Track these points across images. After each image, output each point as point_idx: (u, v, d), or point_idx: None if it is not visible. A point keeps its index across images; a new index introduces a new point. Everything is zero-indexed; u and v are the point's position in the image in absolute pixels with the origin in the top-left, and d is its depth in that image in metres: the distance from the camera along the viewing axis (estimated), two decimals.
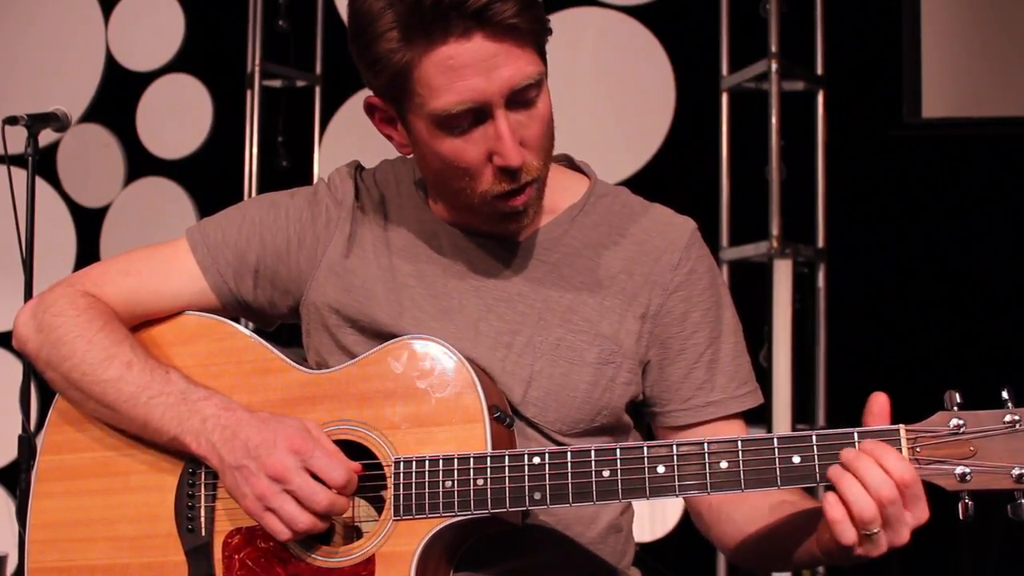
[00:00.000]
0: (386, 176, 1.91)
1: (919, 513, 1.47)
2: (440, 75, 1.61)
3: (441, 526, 1.63)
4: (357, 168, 1.93)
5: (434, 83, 1.62)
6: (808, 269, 4.08)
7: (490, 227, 1.78)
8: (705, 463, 1.56)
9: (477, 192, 1.71)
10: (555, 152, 1.91)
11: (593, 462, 1.59)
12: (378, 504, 1.71)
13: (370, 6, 1.62)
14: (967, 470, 1.46)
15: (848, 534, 1.46)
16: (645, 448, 1.58)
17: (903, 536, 1.46)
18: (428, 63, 1.61)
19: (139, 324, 1.87)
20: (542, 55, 1.68)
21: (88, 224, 4.97)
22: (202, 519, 1.73)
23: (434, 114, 1.65)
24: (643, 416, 1.88)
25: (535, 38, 1.65)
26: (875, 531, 1.46)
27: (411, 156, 1.82)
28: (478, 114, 1.64)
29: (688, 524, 1.87)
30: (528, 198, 1.72)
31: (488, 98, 1.62)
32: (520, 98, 1.65)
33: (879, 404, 1.53)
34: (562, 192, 1.87)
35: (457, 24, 1.58)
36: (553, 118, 1.73)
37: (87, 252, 4.91)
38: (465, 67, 1.60)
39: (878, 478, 1.45)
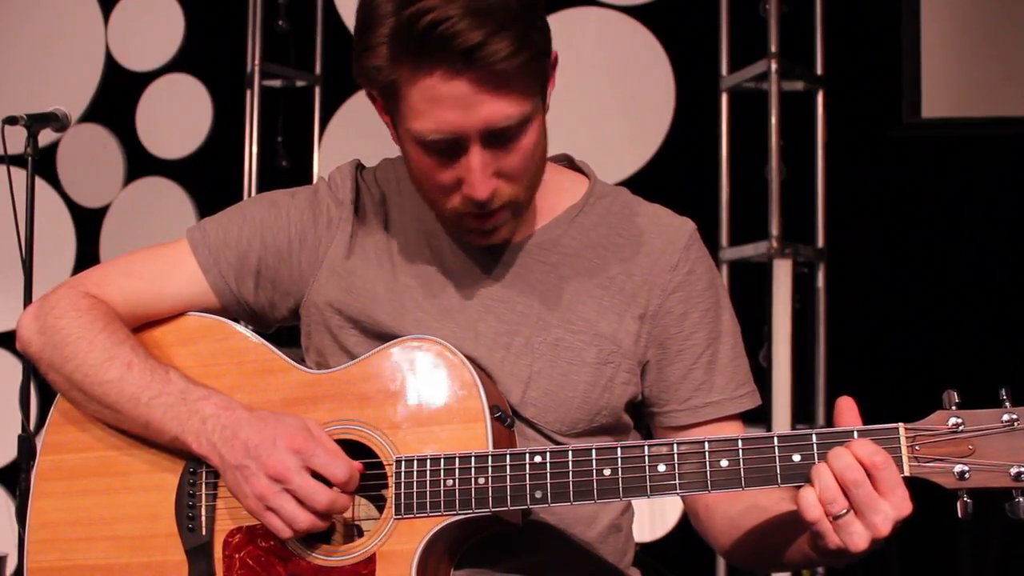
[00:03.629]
0: (387, 175, 1.91)
1: (898, 503, 1.45)
2: (421, 101, 1.61)
3: (442, 525, 1.64)
4: (358, 167, 1.93)
5: (416, 107, 1.63)
6: (808, 269, 4.08)
7: (465, 238, 1.79)
8: (705, 462, 1.56)
9: (447, 208, 1.72)
10: (555, 152, 1.92)
11: (594, 461, 1.59)
12: (379, 503, 1.72)
13: (374, 8, 1.61)
14: (966, 468, 1.47)
15: (812, 511, 1.47)
16: (646, 447, 1.59)
17: (881, 527, 1.45)
18: (412, 87, 1.61)
19: (141, 325, 1.87)
20: (537, 89, 1.66)
21: (88, 224, 4.97)
22: (203, 518, 1.74)
23: (411, 133, 1.65)
24: (643, 416, 1.89)
25: (527, 77, 1.62)
26: (843, 512, 1.46)
27: None
28: (453, 144, 1.64)
29: (688, 524, 1.88)
30: (498, 220, 1.73)
31: (464, 132, 1.62)
32: (499, 135, 1.64)
33: (847, 405, 1.54)
34: (562, 193, 1.87)
35: (442, 60, 1.57)
36: (542, 144, 1.72)
37: (87, 252, 4.92)
38: (445, 99, 1.59)
39: (845, 460, 1.47)
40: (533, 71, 1.62)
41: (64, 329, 1.81)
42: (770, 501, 1.69)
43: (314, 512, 1.62)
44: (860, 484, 1.45)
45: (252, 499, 1.65)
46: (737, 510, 1.74)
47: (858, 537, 1.46)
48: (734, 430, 1.82)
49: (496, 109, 1.60)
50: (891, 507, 1.45)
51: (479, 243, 1.78)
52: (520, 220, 1.77)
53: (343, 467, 1.64)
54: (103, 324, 1.80)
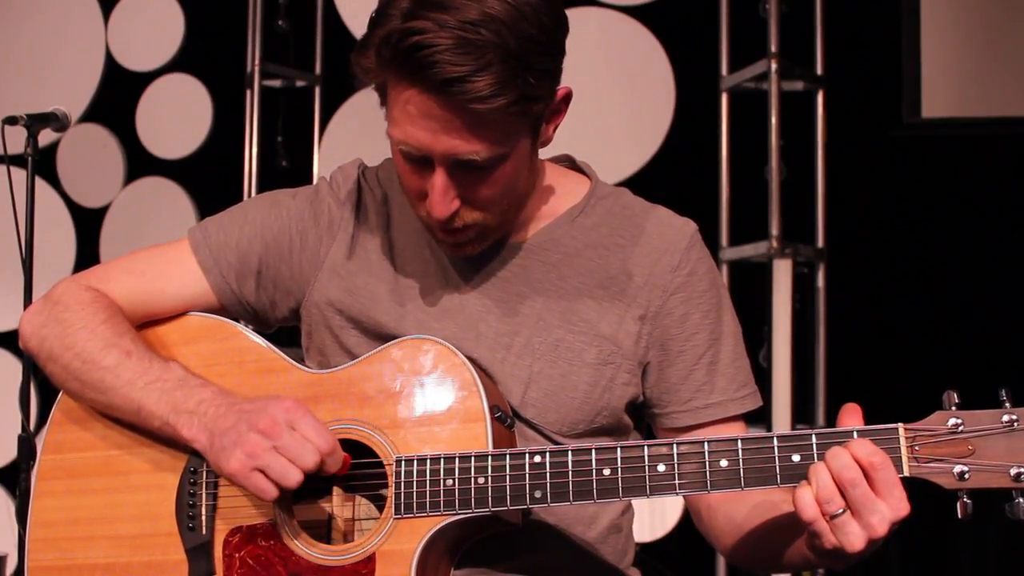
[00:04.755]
0: (389, 175, 1.91)
1: (895, 504, 1.45)
2: (399, 110, 1.62)
3: (442, 524, 1.64)
4: (360, 167, 1.93)
5: (394, 114, 1.64)
6: (808, 269, 4.08)
7: (437, 243, 1.79)
8: (705, 462, 1.56)
9: (419, 213, 1.74)
10: (556, 152, 1.92)
11: (594, 461, 1.60)
12: (379, 503, 1.72)
13: (384, 8, 1.60)
14: (965, 469, 1.47)
15: (809, 510, 1.47)
16: (645, 447, 1.59)
17: (878, 528, 1.45)
18: (394, 92, 1.62)
19: (143, 324, 1.88)
20: (518, 131, 1.65)
21: (88, 224, 4.97)
22: (203, 518, 1.74)
23: (389, 136, 1.67)
24: (644, 417, 1.89)
25: (504, 120, 1.60)
26: (839, 512, 1.46)
27: None
28: (422, 159, 1.65)
29: (688, 524, 1.88)
30: (461, 238, 1.74)
31: (430, 153, 1.63)
32: (464, 165, 1.64)
33: (852, 409, 1.54)
34: (563, 193, 1.87)
35: (420, 81, 1.56)
36: (521, 177, 1.72)
37: (87, 252, 4.91)
38: (418, 117, 1.60)
39: (842, 460, 1.47)
40: (515, 115, 1.60)
41: (67, 320, 1.82)
42: (772, 503, 1.69)
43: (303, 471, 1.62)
44: (857, 484, 1.45)
45: (237, 458, 1.63)
46: (740, 512, 1.74)
47: (855, 537, 1.46)
48: (736, 431, 1.82)
49: (462, 144, 1.61)
50: (888, 508, 1.45)
51: (448, 252, 1.80)
52: (487, 242, 1.77)
53: (327, 438, 1.63)
54: (105, 316, 1.81)
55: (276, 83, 4.76)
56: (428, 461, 1.65)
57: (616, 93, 4.35)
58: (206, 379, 1.77)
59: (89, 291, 1.85)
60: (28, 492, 1.85)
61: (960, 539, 3.84)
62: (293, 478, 1.62)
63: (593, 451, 1.60)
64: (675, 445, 1.58)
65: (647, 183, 3.94)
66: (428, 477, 1.64)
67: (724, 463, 1.56)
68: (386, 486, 1.68)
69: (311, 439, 1.62)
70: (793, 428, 3.81)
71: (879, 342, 4.00)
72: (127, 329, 1.81)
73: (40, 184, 3.61)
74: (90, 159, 4.98)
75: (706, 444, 1.57)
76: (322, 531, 1.70)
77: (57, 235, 4.94)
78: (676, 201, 1.93)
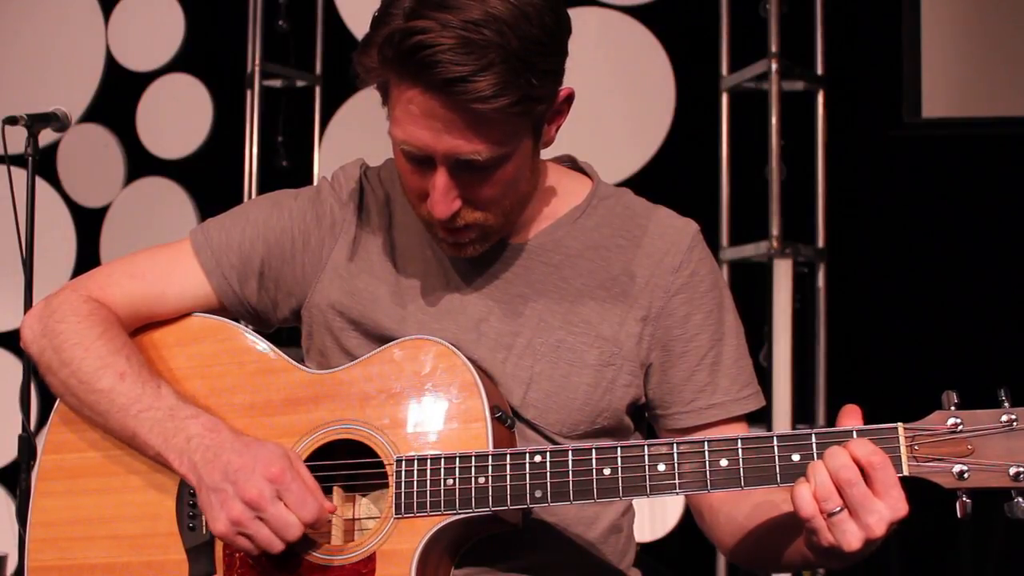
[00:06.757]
0: (391, 175, 1.90)
1: (894, 504, 1.46)
2: (400, 110, 1.62)
3: (442, 524, 1.64)
4: (362, 167, 1.93)
5: (396, 113, 1.64)
6: (808, 269, 4.08)
7: (437, 244, 1.79)
8: (705, 461, 1.56)
9: (420, 213, 1.74)
10: (557, 153, 1.92)
11: (594, 460, 1.60)
12: (379, 503, 1.72)
13: (387, 8, 1.60)
14: (965, 468, 1.47)
15: (807, 507, 1.47)
16: (646, 447, 1.59)
17: (875, 528, 1.46)
18: (396, 91, 1.62)
19: (145, 325, 1.88)
20: (520, 131, 1.65)
21: (88, 224, 4.97)
22: (203, 517, 1.74)
23: (391, 136, 1.67)
24: (647, 419, 1.88)
25: (506, 120, 1.61)
26: (837, 510, 1.46)
27: None
28: (424, 158, 1.65)
29: (688, 524, 1.88)
30: (462, 238, 1.74)
31: (432, 152, 1.63)
32: (466, 165, 1.64)
33: (851, 409, 1.54)
34: (564, 194, 1.87)
35: (422, 80, 1.57)
36: (523, 177, 1.72)
37: (87, 252, 4.91)
38: (420, 116, 1.60)
39: (841, 460, 1.47)
40: (517, 115, 1.60)
41: (63, 334, 1.81)
42: (773, 502, 1.69)
43: (284, 542, 1.63)
44: (854, 484, 1.45)
45: (223, 522, 1.64)
46: (741, 512, 1.74)
47: (851, 536, 1.46)
48: (739, 431, 1.80)
49: (464, 144, 1.61)
50: (886, 507, 1.46)
51: (448, 253, 1.79)
52: (487, 244, 1.77)
53: (313, 507, 1.63)
54: (101, 330, 1.80)
55: (276, 83, 4.76)
56: (428, 461, 1.65)
57: (616, 93, 4.35)
58: (196, 401, 1.77)
59: (88, 302, 1.84)
60: (28, 492, 1.85)
61: (960, 539, 3.84)
62: (277, 547, 1.63)
63: (593, 451, 1.60)
64: (675, 444, 1.58)
65: (647, 183, 3.94)
66: (428, 477, 1.65)
67: (724, 462, 1.56)
68: (387, 486, 1.68)
69: (296, 511, 1.62)
70: (793, 428, 3.81)
71: (879, 342, 4.00)
72: (123, 344, 1.81)
73: (40, 184, 3.60)
74: (90, 159, 4.98)
75: (706, 444, 1.57)
76: (323, 531, 1.70)
77: (57, 235, 4.94)
78: (676, 201, 1.93)
